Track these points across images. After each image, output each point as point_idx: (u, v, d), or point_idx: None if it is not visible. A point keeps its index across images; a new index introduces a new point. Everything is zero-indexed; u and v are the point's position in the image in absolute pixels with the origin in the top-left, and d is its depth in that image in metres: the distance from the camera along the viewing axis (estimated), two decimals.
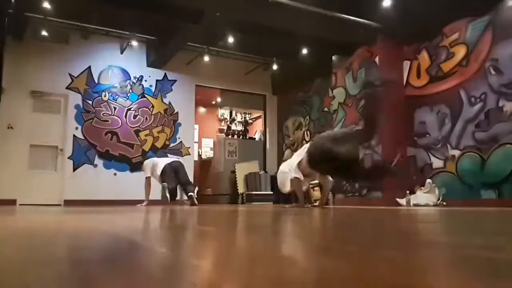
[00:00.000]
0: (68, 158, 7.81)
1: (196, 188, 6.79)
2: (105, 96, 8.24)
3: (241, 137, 10.69)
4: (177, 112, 8.89)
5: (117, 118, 8.30)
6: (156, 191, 7.16)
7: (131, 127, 8.40)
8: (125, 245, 1.07)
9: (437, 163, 6.17)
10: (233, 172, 9.25)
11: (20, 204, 7.06)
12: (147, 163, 6.82)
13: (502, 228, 1.77)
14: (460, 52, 5.97)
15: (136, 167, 8.36)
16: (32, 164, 7.61)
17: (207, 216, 2.96)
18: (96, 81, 8.20)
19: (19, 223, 2.16)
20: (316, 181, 7.56)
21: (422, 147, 6.42)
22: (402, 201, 6.02)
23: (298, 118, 9.40)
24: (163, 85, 8.82)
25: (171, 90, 8.87)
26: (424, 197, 5.81)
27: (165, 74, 8.81)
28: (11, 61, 7.01)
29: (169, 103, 8.82)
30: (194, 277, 0.61)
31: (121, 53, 8.40)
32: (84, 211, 3.76)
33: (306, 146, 5.47)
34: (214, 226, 1.87)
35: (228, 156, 9.66)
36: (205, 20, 6.46)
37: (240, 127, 11.19)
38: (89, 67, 8.15)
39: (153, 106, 8.69)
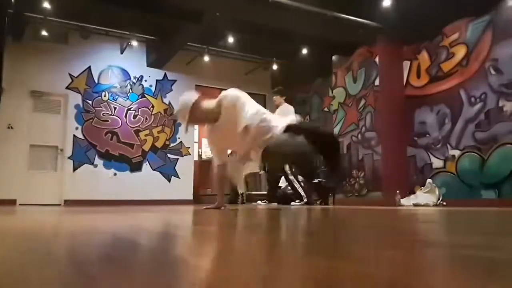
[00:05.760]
0: (68, 158, 7.81)
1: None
2: (105, 96, 8.25)
3: None
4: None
5: (117, 118, 8.30)
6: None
7: (131, 127, 8.40)
8: (125, 245, 1.07)
9: (437, 163, 6.18)
10: None
11: (20, 204, 7.06)
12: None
13: (502, 228, 1.77)
14: (460, 52, 5.98)
15: (136, 167, 8.37)
16: (32, 164, 7.61)
17: (207, 216, 2.96)
18: (96, 81, 8.20)
19: (19, 223, 2.16)
20: (316, 181, 7.54)
21: (422, 147, 6.43)
22: (403, 201, 6.03)
23: None
24: (163, 85, 8.83)
25: (171, 90, 8.87)
26: (424, 197, 5.81)
27: (165, 74, 8.82)
28: (11, 61, 7.01)
29: (169, 103, 8.83)
30: (194, 277, 0.61)
31: (121, 53, 8.41)
32: (84, 211, 3.76)
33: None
34: (214, 226, 1.88)
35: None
36: (205, 20, 6.46)
37: None
38: (89, 67, 8.16)
39: (153, 106, 8.69)
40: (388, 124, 6.67)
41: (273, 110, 10.12)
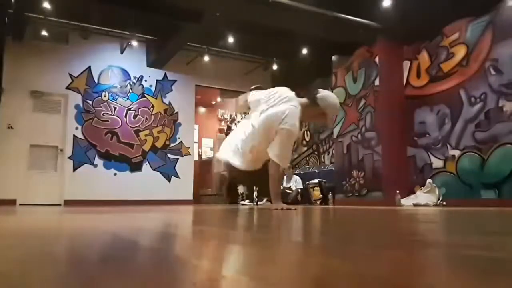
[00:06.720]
0: (68, 158, 7.81)
1: None
2: (105, 96, 8.25)
3: None
4: (177, 112, 8.90)
5: (117, 118, 8.30)
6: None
7: (131, 127, 8.41)
8: (125, 245, 1.07)
9: (437, 163, 6.17)
10: None
11: (20, 204, 7.06)
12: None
13: (502, 228, 1.77)
14: (460, 52, 5.97)
15: (136, 167, 8.37)
16: (32, 164, 7.62)
17: (208, 216, 2.96)
18: (96, 81, 8.20)
19: (19, 223, 2.16)
20: (316, 181, 7.57)
21: (422, 147, 6.42)
22: (403, 201, 6.03)
23: None
24: (163, 85, 8.83)
25: (171, 90, 8.88)
26: (424, 197, 5.81)
27: (165, 74, 8.82)
28: (11, 61, 7.02)
29: (169, 103, 8.83)
30: (194, 277, 0.61)
31: (121, 53, 8.41)
32: (84, 211, 3.77)
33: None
34: (214, 226, 1.88)
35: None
36: (205, 20, 6.46)
37: None
38: (89, 67, 8.16)
39: (153, 106, 8.69)
40: (388, 124, 6.67)
41: None
